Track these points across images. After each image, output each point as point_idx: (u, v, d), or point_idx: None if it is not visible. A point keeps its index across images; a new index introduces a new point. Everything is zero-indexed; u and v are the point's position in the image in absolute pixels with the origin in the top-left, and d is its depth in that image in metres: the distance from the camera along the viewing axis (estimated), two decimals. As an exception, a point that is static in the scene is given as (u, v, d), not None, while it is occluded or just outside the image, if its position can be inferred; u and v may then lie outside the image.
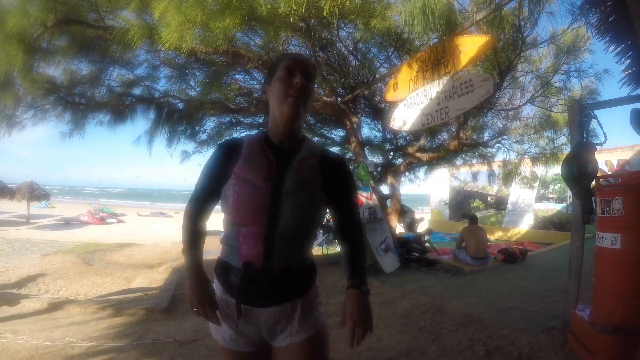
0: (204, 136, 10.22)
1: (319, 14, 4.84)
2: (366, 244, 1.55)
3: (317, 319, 1.58)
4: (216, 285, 1.60)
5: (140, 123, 8.59)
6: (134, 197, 79.93)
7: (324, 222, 7.58)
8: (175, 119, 8.98)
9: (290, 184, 1.46)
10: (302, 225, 1.49)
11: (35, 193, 22.80)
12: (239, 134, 10.54)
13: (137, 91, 8.22)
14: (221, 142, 1.62)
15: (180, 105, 8.67)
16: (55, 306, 5.24)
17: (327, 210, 1.63)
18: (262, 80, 8.71)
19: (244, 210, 1.45)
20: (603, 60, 8.05)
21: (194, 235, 1.60)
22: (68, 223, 21.74)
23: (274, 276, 1.46)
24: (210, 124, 10.16)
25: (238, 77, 8.66)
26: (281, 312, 1.50)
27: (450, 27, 4.64)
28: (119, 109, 8.10)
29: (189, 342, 4.15)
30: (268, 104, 1.57)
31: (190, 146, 10.16)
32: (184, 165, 10.75)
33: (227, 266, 1.54)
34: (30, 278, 7.34)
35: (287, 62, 1.51)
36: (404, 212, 11.25)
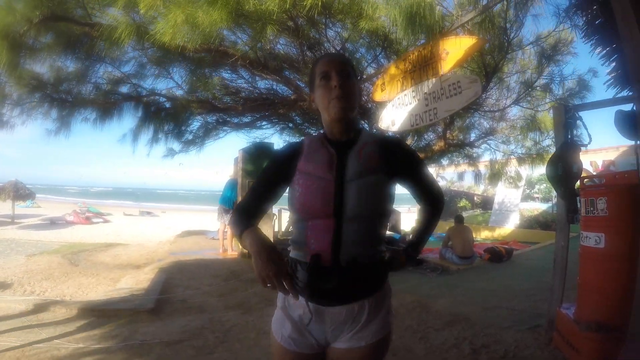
0: (190, 136, 10.17)
1: (304, 10, 4.83)
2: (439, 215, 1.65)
3: (384, 325, 1.54)
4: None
5: (127, 121, 8.51)
6: (118, 196, 78.53)
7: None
8: (162, 117, 8.92)
9: (352, 171, 1.47)
10: (367, 212, 1.47)
11: (20, 192, 22.51)
12: (226, 133, 10.53)
13: (124, 89, 8.15)
14: (283, 145, 1.68)
15: (167, 104, 8.61)
16: (41, 307, 5.20)
17: None
18: (249, 80, 8.78)
19: (311, 201, 1.46)
20: (588, 62, 8.18)
21: (246, 218, 1.55)
22: (53, 223, 21.44)
23: (342, 271, 1.43)
24: (196, 123, 10.11)
25: (225, 75, 8.64)
26: (347, 313, 1.47)
27: (434, 32, 4.67)
28: (106, 106, 8.02)
29: (175, 342, 4.14)
30: (319, 110, 1.59)
31: (176, 145, 10.12)
32: (166, 162, 10.71)
33: (295, 263, 1.51)
34: (16, 279, 7.25)
35: (320, 67, 1.53)
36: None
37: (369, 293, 1.50)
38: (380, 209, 1.50)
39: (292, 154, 1.57)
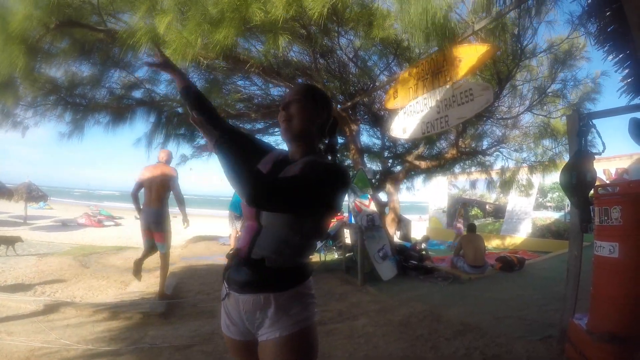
0: (202, 141, 10.24)
1: (311, 19, 4.85)
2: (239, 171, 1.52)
3: (295, 321, 1.61)
4: None
5: (139, 125, 8.62)
6: (126, 200, 78.34)
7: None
8: (175, 123, 8.99)
9: None
10: (277, 221, 1.60)
11: (33, 194, 22.74)
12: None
13: (137, 94, 8.24)
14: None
15: (180, 110, 8.68)
16: (51, 308, 5.22)
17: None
18: (262, 86, 8.84)
19: (245, 205, 1.65)
20: (601, 69, 8.12)
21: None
22: (65, 225, 21.63)
23: (251, 264, 1.61)
24: (209, 128, 10.18)
25: (239, 82, 8.69)
26: (254, 302, 1.61)
27: (449, 38, 4.66)
28: (119, 111, 8.11)
29: (185, 347, 4.13)
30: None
31: (188, 150, 10.23)
32: (179, 169, 10.76)
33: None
34: (27, 279, 7.31)
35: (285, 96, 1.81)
36: (400, 222, 11.24)
37: (272, 287, 1.61)
38: (291, 224, 1.61)
39: (264, 154, 1.90)
